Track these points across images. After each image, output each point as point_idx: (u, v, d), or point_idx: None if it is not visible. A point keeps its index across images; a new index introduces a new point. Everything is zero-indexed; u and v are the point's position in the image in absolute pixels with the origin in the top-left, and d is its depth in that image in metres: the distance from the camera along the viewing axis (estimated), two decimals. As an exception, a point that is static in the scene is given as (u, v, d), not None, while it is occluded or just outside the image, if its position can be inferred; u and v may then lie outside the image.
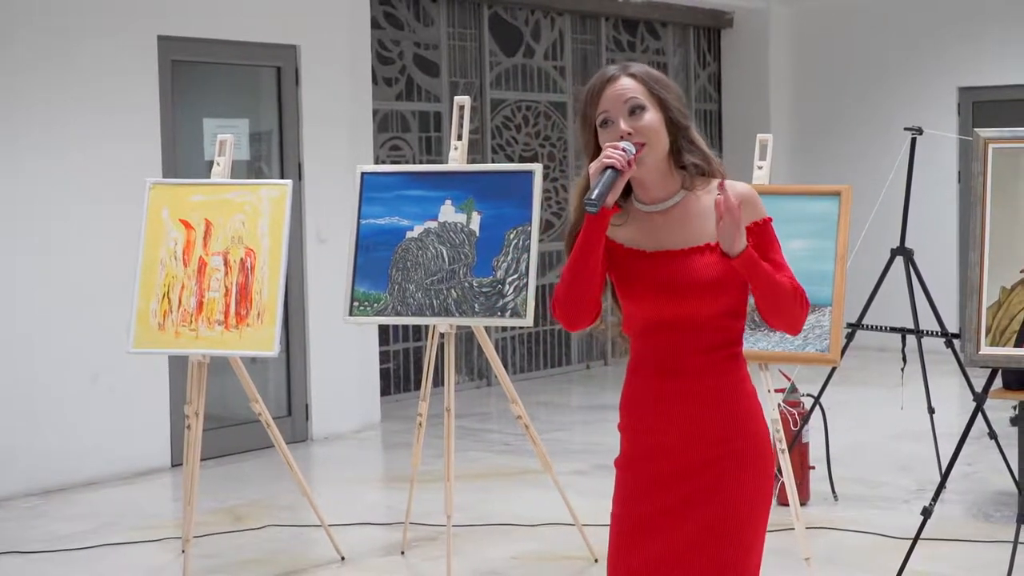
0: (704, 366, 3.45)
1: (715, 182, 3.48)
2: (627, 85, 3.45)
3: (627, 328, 3.57)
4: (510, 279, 6.45)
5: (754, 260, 3.36)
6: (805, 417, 7.66)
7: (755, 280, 3.39)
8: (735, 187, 3.46)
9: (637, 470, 3.54)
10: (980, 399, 6.01)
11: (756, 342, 6.02)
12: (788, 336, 5.99)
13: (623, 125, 3.42)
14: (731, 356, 3.48)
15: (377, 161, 10.92)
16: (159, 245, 6.70)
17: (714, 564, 3.44)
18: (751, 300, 3.50)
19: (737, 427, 3.46)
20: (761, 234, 3.46)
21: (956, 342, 7.87)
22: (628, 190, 3.52)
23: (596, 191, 3.32)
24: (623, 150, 3.36)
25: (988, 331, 5.81)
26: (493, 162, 12.06)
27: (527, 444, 7.90)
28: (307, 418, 9.97)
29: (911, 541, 6.11)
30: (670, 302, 3.43)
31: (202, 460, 7.06)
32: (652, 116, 3.43)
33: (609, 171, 3.34)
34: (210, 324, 6.54)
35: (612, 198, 3.37)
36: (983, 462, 8.43)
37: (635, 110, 3.43)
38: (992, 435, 7.10)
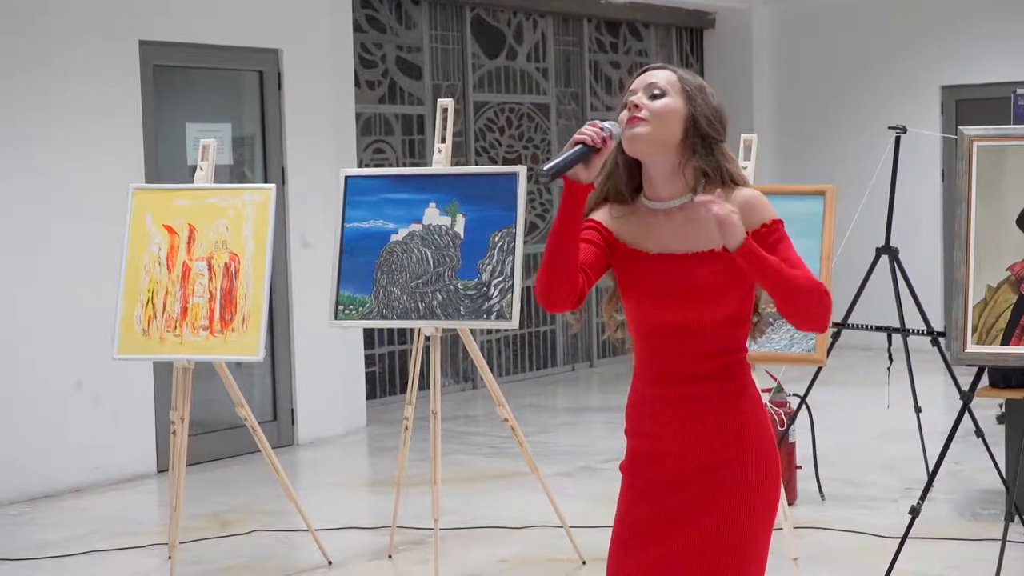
0: (704, 373, 3.40)
1: (735, 190, 3.43)
2: (660, 74, 3.45)
3: (631, 329, 3.52)
4: (495, 281, 6.44)
5: (756, 253, 3.25)
6: (792, 417, 7.66)
7: (761, 274, 3.28)
8: (741, 193, 3.42)
9: (639, 475, 3.50)
10: (967, 398, 6.01)
11: (742, 342, 6.01)
12: (774, 336, 5.99)
13: (634, 99, 3.40)
14: (732, 363, 3.43)
15: (361, 164, 10.90)
16: (143, 251, 6.68)
17: (713, 572, 3.41)
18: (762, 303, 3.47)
19: (737, 434, 3.41)
20: (768, 236, 3.38)
21: (942, 341, 7.88)
22: (639, 186, 3.50)
23: (552, 162, 3.29)
24: (600, 128, 3.33)
25: (974, 329, 5.81)
26: (477, 164, 12.05)
27: (514, 447, 7.89)
28: (293, 422, 9.95)
29: (899, 540, 6.12)
30: (669, 308, 3.39)
31: (188, 466, 7.04)
32: (668, 101, 3.40)
33: (579, 146, 3.30)
34: (195, 329, 6.52)
35: (587, 175, 3.31)
36: (970, 461, 8.44)
37: (655, 95, 3.41)
38: (979, 433, 7.10)
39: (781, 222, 3.43)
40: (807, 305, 3.32)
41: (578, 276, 3.37)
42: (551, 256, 3.36)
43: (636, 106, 3.39)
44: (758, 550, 3.45)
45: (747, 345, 3.50)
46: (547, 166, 3.28)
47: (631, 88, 3.45)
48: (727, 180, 3.45)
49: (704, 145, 3.43)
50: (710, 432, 3.40)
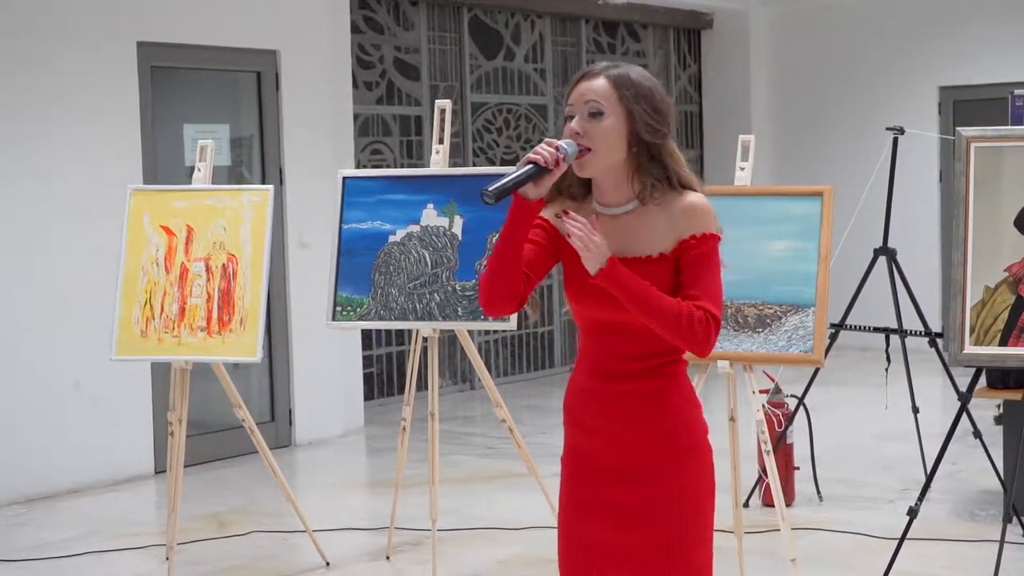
0: (638, 371, 3.45)
1: (682, 195, 3.44)
2: (596, 86, 3.42)
3: (576, 323, 3.59)
4: (493, 282, 6.43)
5: (617, 280, 3.32)
6: (789, 418, 7.66)
7: (625, 300, 3.33)
8: (687, 199, 3.44)
9: (578, 465, 3.56)
10: (964, 398, 6.00)
11: (740, 343, 6.01)
12: (771, 337, 5.99)
13: (574, 124, 3.41)
14: (668, 362, 3.47)
15: (358, 165, 10.90)
16: (141, 252, 6.68)
17: (658, 567, 3.46)
18: None
19: (669, 430, 3.45)
20: (696, 248, 3.41)
21: (940, 342, 7.88)
22: (589, 188, 3.52)
23: (498, 183, 3.28)
24: (556, 148, 3.35)
25: (972, 330, 5.81)
26: (474, 165, 12.04)
27: (511, 447, 7.89)
28: (291, 423, 9.95)
29: (897, 541, 6.11)
30: (605, 307, 3.41)
31: (186, 467, 7.04)
32: (609, 124, 3.39)
33: (530, 166, 3.32)
34: (192, 330, 6.52)
35: (537, 192, 3.35)
36: (968, 461, 8.44)
37: (593, 114, 3.41)
38: (977, 434, 7.11)
39: (714, 238, 3.45)
40: (675, 332, 3.35)
41: (520, 284, 3.44)
42: (495, 266, 3.43)
43: (577, 133, 3.40)
44: (699, 543, 3.50)
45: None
46: (492, 187, 3.28)
47: (569, 102, 3.45)
48: (675, 184, 3.46)
49: (649, 155, 3.44)
50: (639, 428, 3.45)
